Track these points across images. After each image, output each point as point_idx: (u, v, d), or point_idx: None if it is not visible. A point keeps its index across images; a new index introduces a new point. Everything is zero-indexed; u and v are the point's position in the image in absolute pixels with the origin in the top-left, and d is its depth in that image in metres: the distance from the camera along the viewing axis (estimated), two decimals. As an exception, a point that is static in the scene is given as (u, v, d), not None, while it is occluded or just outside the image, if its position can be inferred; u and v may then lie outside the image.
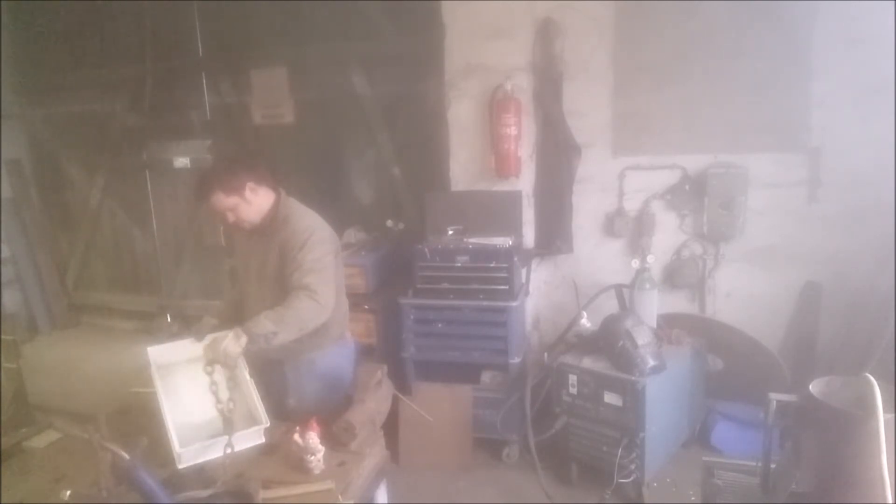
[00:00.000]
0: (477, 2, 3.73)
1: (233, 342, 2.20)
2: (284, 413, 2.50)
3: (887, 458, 1.38)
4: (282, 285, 2.44)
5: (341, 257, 2.68)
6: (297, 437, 2.06)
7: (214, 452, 2.11)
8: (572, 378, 3.23)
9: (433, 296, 3.60)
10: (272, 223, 2.52)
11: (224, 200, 2.46)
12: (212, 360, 2.20)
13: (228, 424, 2.12)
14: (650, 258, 3.64)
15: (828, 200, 3.55)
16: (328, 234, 2.56)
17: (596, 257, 4.03)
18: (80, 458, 2.09)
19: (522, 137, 3.77)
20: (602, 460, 3.18)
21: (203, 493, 1.87)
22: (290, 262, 2.41)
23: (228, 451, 2.05)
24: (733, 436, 3.50)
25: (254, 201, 2.49)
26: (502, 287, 3.50)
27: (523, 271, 3.85)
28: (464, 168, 4.01)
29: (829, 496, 1.50)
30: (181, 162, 5.42)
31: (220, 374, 2.21)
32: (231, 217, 2.51)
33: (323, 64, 4.71)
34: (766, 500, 1.75)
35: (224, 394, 2.19)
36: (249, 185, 2.46)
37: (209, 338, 2.38)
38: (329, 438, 2.14)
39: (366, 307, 3.86)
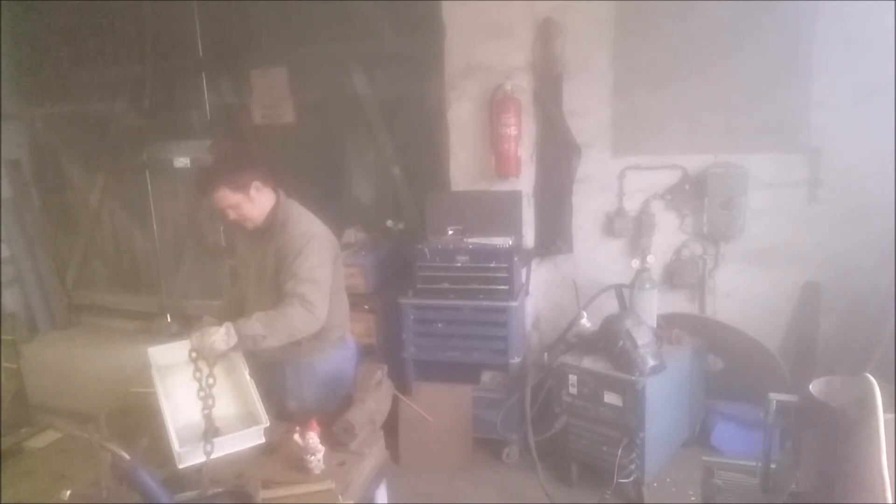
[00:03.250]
0: (477, 2, 3.73)
1: (221, 338, 2.19)
2: (284, 414, 2.49)
3: (887, 458, 1.38)
4: (279, 289, 2.43)
5: (341, 260, 2.67)
6: (297, 437, 2.06)
7: (214, 452, 2.10)
8: (572, 378, 3.23)
9: (433, 296, 3.60)
10: (271, 226, 2.51)
11: (229, 197, 2.44)
12: (196, 349, 2.17)
13: (208, 419, 2.04)
14: (650, 258, 3.64)
15: (828, 200, 3.55)
16: (326, 241, 2.53)
17: (596, 257, 4.04)
18: (80, 458, 2.09)
19: (522, 137, 3.76)
20: (602, 460, 3.17)
21: (203, 493, 1.87)
22: (285, 269, 2.39)
23: (209, 448, 1.98)
24: (733, 436, 3.50)
25: (258, 200, 2.47)
26: (502, 287, 3.50)
27: (523, 271, 3.85)
28: (464, 168, 4.01)
29: (829, 496, 1.50)
30: (181, 162, 5.43)
31: (203, 364, 2.15)
32: (233, 214, 2.49)
33: (323, 64, 4.72)
34: (766, 500, 1.75)
35: (205, 385, 2.11)
36: (255, 183, 2.45)
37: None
38: (329, 438, 2.13)
39: (366, 307, 3.86)
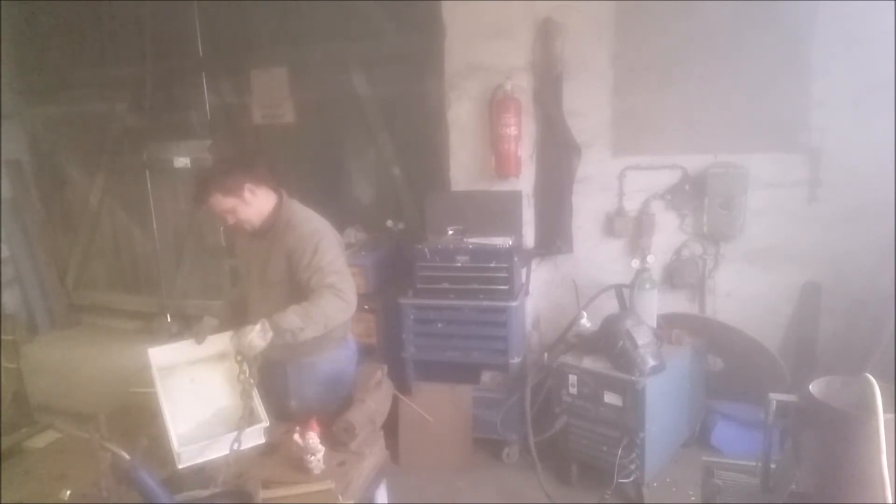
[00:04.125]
0: (477, 2, 3.73)
1: (259, 335, 2.20)
2: (285, 414, 2.49)
3: (887, 458, 1.38)
4: (286, 290, 2.44)
5: (344, 257, 2.67)
6: (297, 437, 2.06)
7: (214, 452, 2.11)
8: (572, 378, 3.23)
9: (433, 296, 3.60)
10: (274, 226, 2.51)
11: (222, 202, 2.44)
12: (237, 350, 2.21)
13: (247, 417, 2.14)
14: (650, 258, 3.65)
15: (828, 200, 3.55)
16: (334, 236, 2.56)
17: (596, 257, 4.03)
18: (80, 458, 2.09)
19: (522, 137, 3.76)
20: (602, 460, 3.17)
21: (203, 493, 1.87)
22: (304, 269, 2.39)
23: (236, 446, 2.06)
24: (733, 436, 3.50)
25: (253, 203, 2.47)
26: (502, 287, 3.50)
27: (523, 271, 3.85)
28: (464, 168, 4.01)
29: (829, 496, 1.50)
30: (181, 162, 5.42)
31: (248, 366, 2.22)
32: (231, 219, 2.50)
33: (323, 64, 4.72)
34: (766, 500, 1.75)
35: (250, 386, 2.20)
36: (248, 186, 2.45)
37: (212, 338, 2.40)
38: (329, 438, 2.14)
39: (366, 307, 3.85)
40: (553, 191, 3.96)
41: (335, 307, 2.36)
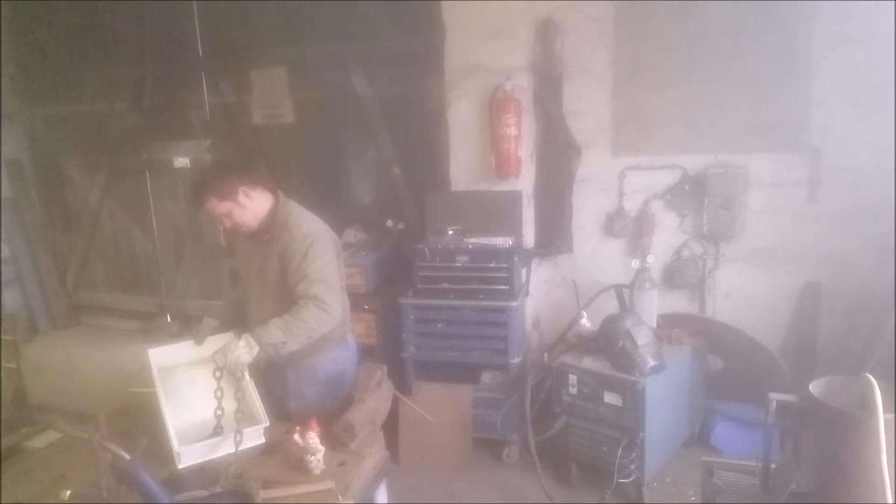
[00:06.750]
0: (477, 2, 3.73)
1: (245, 351, 2.19)
2: (285, 414, 2.49)
3: (887, 458, 1.38)
4: (282, 291, 2.43)
5: (342, 258, 2.67)
6: (297, 437, 2.06)
7: (215, 452, 2.11)
8: (572, 378, 3.23)
9: (433, 296, 3.60)
10: (271, 227, 2.49)
11: (217, 206, 2.44)
12: (221, 367, 2.19)
13: (228, 431, 2.12)
14: (650, 258, 3.65)
15: (828, 200, 3.55)
16: (329, 239, 2.53)
17: (596, 257, 4.04)
18: (80, 458, 2.09)
19: (522, 137, 3.76)
20: (602, 460, 3.17)
21: (203, 493, 1.87)
22: (293, 272, 2.38)
23: (232, 457, 2.05)
24: (733, 436, 3.50)
25: (248, 206, 2.46)
26: (502, 287, 3.50)
27: (523, 271, 3.85)
28: (464, 168, 4.01)
29: (829, 496, 1.50)
30: (181, 162, 5.42)
31: (227, 382, 2.21)
32: (227, 222, 2.48)
33: (323, 64, 4.72)
34: (766, 500, 1.75)
35: (230, 404, 2.19)
36: (242, 189, 2.43)
37: (211, 338, 2.39)
38: (329, 438, 2.13)
39: (366, 307, 3.86)
40: (553, 191, 3.96)
41: (318, 320, 2.33)
